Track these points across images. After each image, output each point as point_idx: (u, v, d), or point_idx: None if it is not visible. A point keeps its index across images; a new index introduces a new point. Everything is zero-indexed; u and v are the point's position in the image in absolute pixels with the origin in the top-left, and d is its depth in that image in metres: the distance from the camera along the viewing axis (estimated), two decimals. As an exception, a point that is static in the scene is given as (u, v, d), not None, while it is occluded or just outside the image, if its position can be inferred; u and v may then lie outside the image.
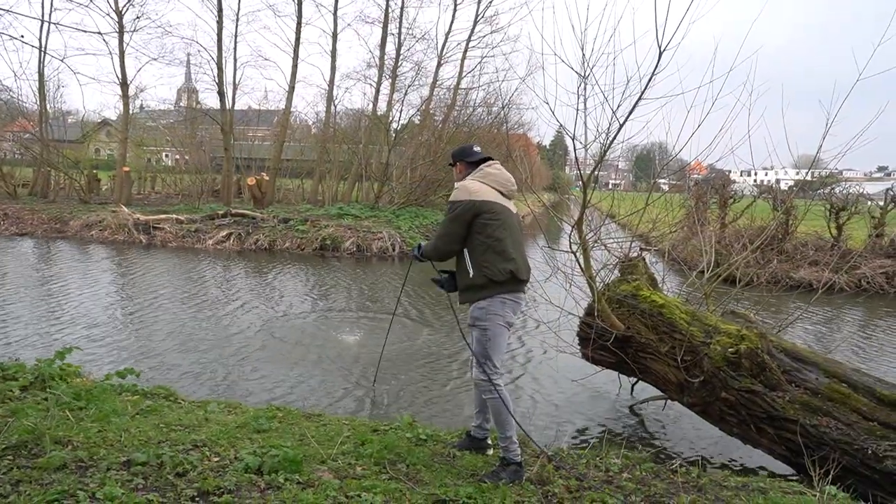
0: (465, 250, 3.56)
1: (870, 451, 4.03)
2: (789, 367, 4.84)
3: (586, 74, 5.37)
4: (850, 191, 16.26)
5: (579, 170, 5.45)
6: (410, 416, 4.36)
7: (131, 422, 3.82)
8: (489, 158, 3.80)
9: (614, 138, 5.22)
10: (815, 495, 3.56)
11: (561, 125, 5.37)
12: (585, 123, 5.43)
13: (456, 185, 3.70)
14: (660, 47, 5.02)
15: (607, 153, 5.34)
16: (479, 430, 3.94)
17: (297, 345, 7.52)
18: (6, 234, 17.96)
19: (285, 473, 3.13)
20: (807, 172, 7.07)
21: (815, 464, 4.10)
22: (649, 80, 5.05)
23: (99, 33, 20.08)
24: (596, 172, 5.51)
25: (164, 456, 3.19)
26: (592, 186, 5.77)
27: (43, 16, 21.01)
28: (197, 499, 2.83)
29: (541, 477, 3.49)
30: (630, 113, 5.13)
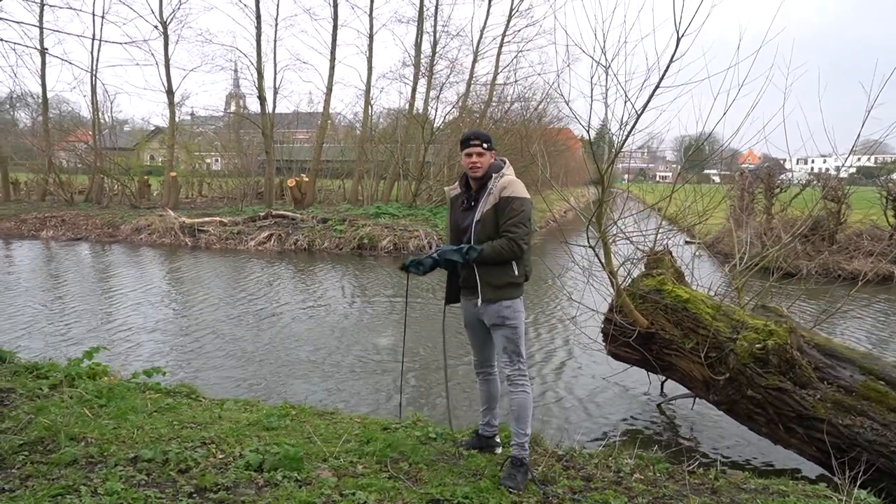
0: None
1: (906, 453, 3.78)
2: (821, 364, 4.60)
3: (607, 65, 5.23)
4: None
5: (597, 163, 5.31)
6: (415, 414, 4.34)
7: (147, 419, 3.93)
8: None
9: (632, 128, 5.07)
10: (841, 499, 3.36)
11: (576, 117, 5.25)
12: (606, 114, 5.30)
13: (508, 178, 3.46)
14: (678, 33, 4.84)
15: (625, 143, 5.19)
16: (488, 428, 3.88)
17: (332, 347, 7.60)
18: (63, 239, 18.86)
19: (284, 471, 3.15)
20: (845, 157, 6.66)
21: (846, 466, 3.88)
22: (667, 67, 4.86)
23: (144, 41, 20.90)
24: (613, 165, 5.35)
25: (170, 453, 3.26)
26: (622, 179, 5.62)
27: (94, 34, 21.96)
28: (194, 495, 2.88)
29: (546, 477, 3.41)
30: (647, 103, 4.95)
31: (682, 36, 4.84)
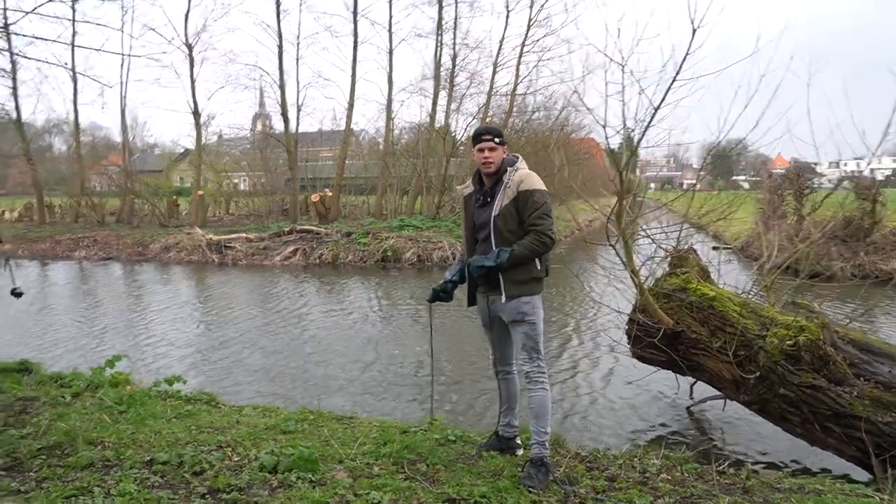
0: None
1: (952, 450, 3.58)
2: (857, 360, 4.39)
3: (623, 63, 5.14)
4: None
5: (614, 158, 5.22)
6: (432, 417, 4.26)
7: (165, 424, 3.93)
8: None
9: (650, 123, 4.97)
10: (884, 499, 3.18)
11: (594, 117, 5.16)
12: (624, 113, 5.21)
13: (524, 172, 3.42)
14: (693, 25, 4.75)
15: (644, 138, 5.08)
16: (508, 429, 3.78)
17: (363, 359, 7.55)
18: (95, 259, 19.32)
19: (299, 472, 3.11)
20: (872, 156, 6.40)
21: (888, 464, 3.69)
22: (683, 59, 4.77)
23: (163, 53, 21.50)
24: (632, 160, 5.25)
25: (185, 455, 3.24)
26: (648, 188, 5.50)
27: (122, 54, 22.62)
28: (207, 496, 2.85)
29: (568, 477, 3.30)
30: (665, 96, 4.86)
31: (698, 28, 4.75)
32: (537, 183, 3.37)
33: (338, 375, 6.80)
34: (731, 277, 6.53)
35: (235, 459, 3.33)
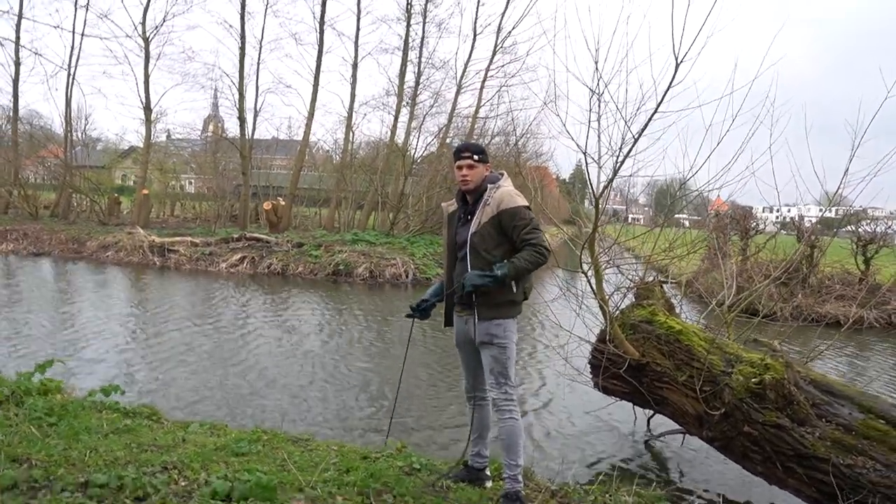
0: None
1: (914, 496, 3.61)
2: (819, 401, 4.44)
3: (601, 92, 5.14)
4: (878, 229, 15.69)
5: (591, 188, 5.19)
6: (402, 443, 4.04)
7: (102, 440, 3.56)
8: None
9: (629, 152, 4.97)
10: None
11: (573, 138, 5.11)
12: (599, 140, 5.20)
13: (504, 190, 3.30)
14: (676, 59, 4.79)
15: (620, 169, 5.07)
16: (478, 459, 3.61)
17: (307, 373, 7.25)
18: (23, 254, 18.11)
19: (256, 501, 2.83)
20: (826, 208, 6.61)
21: (853, 509, 3.70)
22: (665, 92, 4.80)
23: (123, 36, 20.55)
24: (608, 190, 5.23)
25: (126, 478, 2.91)
26: (604, 206, 5.48)
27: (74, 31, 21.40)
28: (152, 526, 2.55)
29: (541, 514, 3.15)
30: (645, 127, 4.87)
31: (681, 62, 4.79)
32: (519, 200, 3.26)
33: (288, 393, 6.47)
34: (683, 313, 6.59)
35: (183, 484, 3.02)
